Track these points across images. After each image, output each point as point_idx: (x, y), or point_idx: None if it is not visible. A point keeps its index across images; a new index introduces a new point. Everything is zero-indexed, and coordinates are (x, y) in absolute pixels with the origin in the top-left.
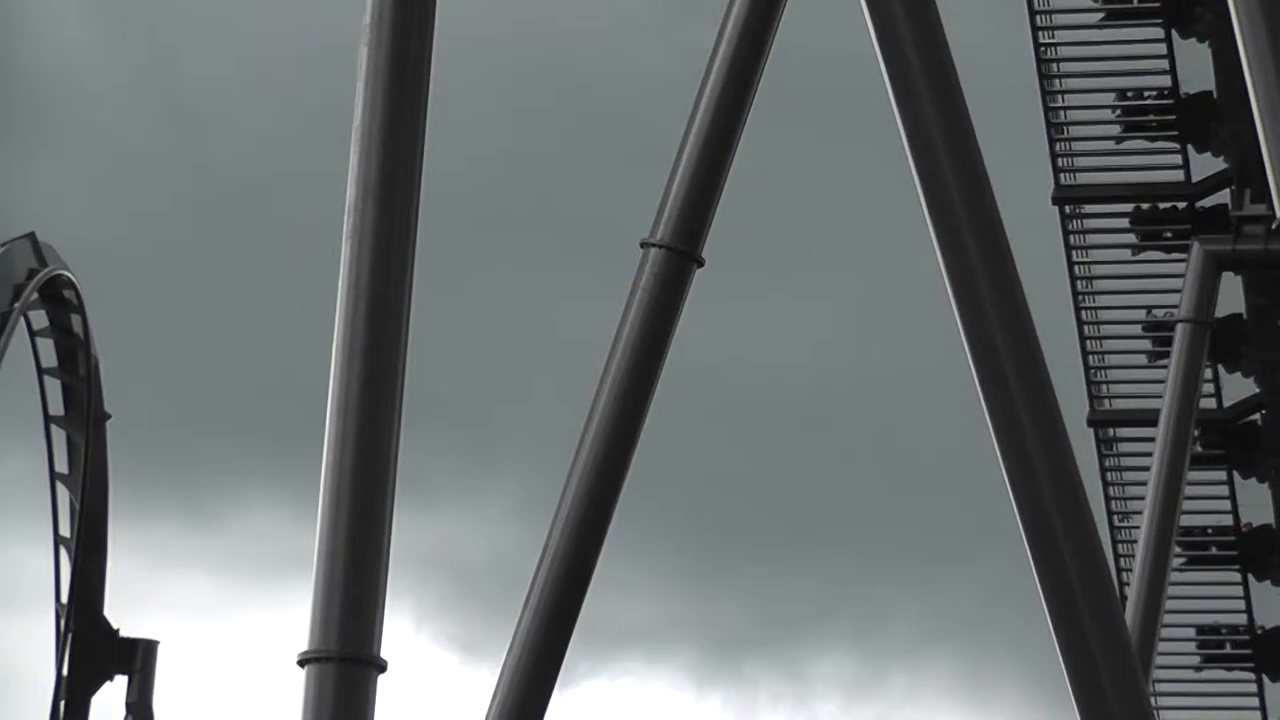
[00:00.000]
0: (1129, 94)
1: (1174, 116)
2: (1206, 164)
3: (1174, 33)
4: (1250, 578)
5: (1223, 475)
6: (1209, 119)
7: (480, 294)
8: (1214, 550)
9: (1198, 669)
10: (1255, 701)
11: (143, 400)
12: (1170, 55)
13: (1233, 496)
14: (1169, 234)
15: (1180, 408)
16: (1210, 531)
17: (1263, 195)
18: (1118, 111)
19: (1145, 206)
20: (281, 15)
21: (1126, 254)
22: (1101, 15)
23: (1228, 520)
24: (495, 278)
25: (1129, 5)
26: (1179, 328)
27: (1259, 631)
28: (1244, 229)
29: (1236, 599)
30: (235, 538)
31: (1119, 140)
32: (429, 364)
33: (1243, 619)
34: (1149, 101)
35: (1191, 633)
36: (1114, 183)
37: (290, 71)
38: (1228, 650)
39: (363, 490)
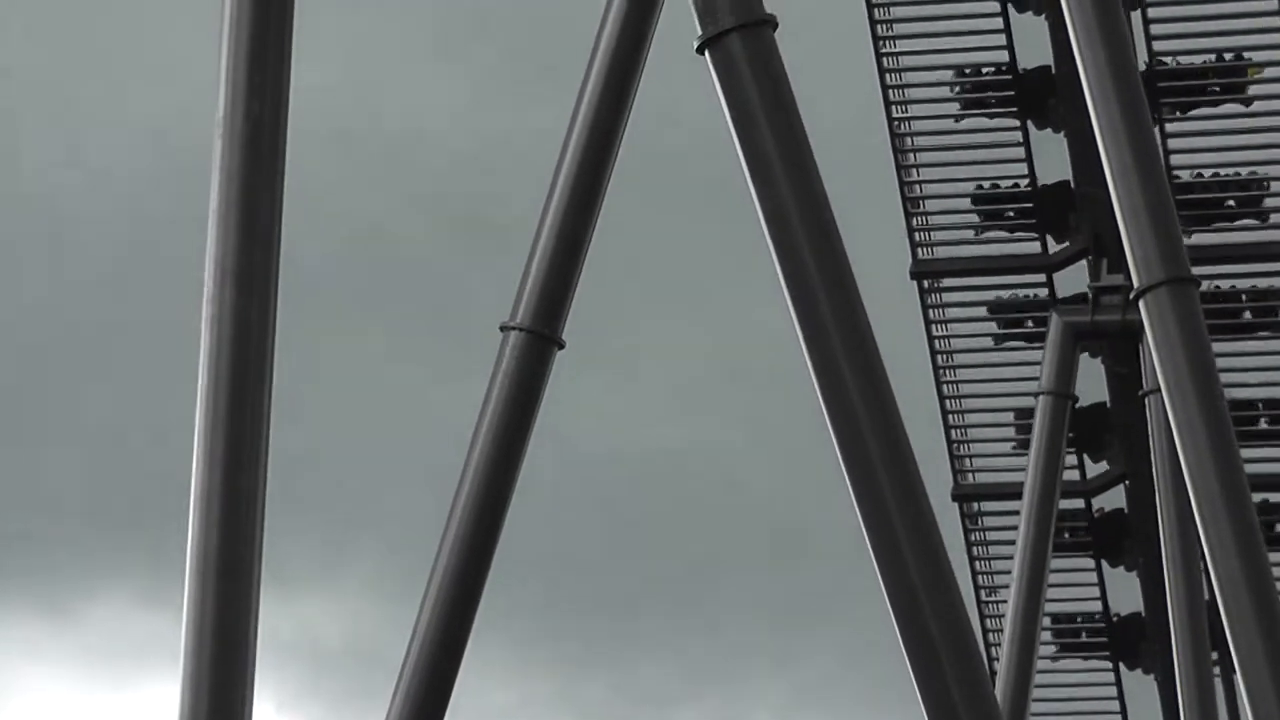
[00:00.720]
0: (985, 185)
1: (1031, 204)
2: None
3: (1030, 124)
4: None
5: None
6: (1065, 200)
7: (338, 378)
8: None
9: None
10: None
11: None
12: (1027, 144)
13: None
14: (1030, 322)
15: (1044, 480)
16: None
17: (1119, 265)
18: (973, 200)
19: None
20: (133, 106)
21: (986, 327)
22: (959, 105)
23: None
24: (353, 361)
25: (986, 96)
26: (1040, 399)
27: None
28: (1101, 300)
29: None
30: (88, 626)
31: (978, 231)
32: (287, 447)
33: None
34: (1005, 190)
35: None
36: (972, 255)
37: (143, 158)
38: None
39: (228, 578)
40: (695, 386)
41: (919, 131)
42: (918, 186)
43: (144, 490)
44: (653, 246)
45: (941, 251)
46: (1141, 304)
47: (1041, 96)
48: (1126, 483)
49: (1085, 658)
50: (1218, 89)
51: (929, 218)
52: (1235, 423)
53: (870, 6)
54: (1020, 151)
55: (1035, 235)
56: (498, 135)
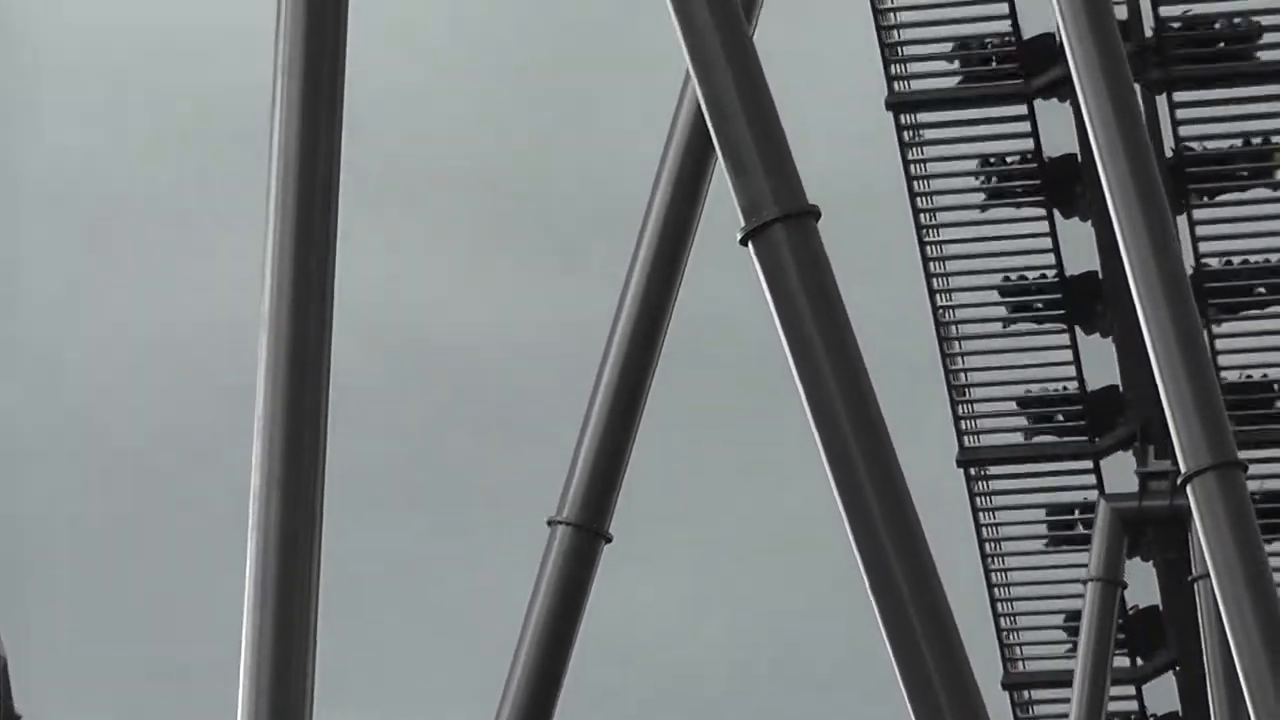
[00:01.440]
0: (1032, 390)
1: (1080, 407)
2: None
3: (1078, 332)
4: None
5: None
6: (1114, 406)
7: (384, 578)
8: None
9: None
10: None
11: (45, 694)
12: (1075, 350)
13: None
14: (1077, 509)
15: (1094, 667)
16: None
17: (1165, 451)
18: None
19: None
20: (178, 291)
21: (1034, 514)
22: (1005, 316)
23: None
24: (399, 560)
25: (1030, 297)
26: (1089, 586)
27: None
28: (1149, 485)
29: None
30: None
31: (1028, 436)
32: (335, 648)
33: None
34: (1054, 394)
35: None
36: (1018, 443)
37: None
38: None
39: None
40: (745, 579)
41: (964, 320)
42: (964, 375)
43: (205, 690)
44: (700, 436)
45: (987, 439)
46: (1189, 489)
47: (1090, 302)
48: (1176, 669)
49: None
50: (1245, 174)
51: (975, 405)
52: None
53: (913, 201)
54: (1068, 354)
55: (1085, 436)
56: (541, 330)
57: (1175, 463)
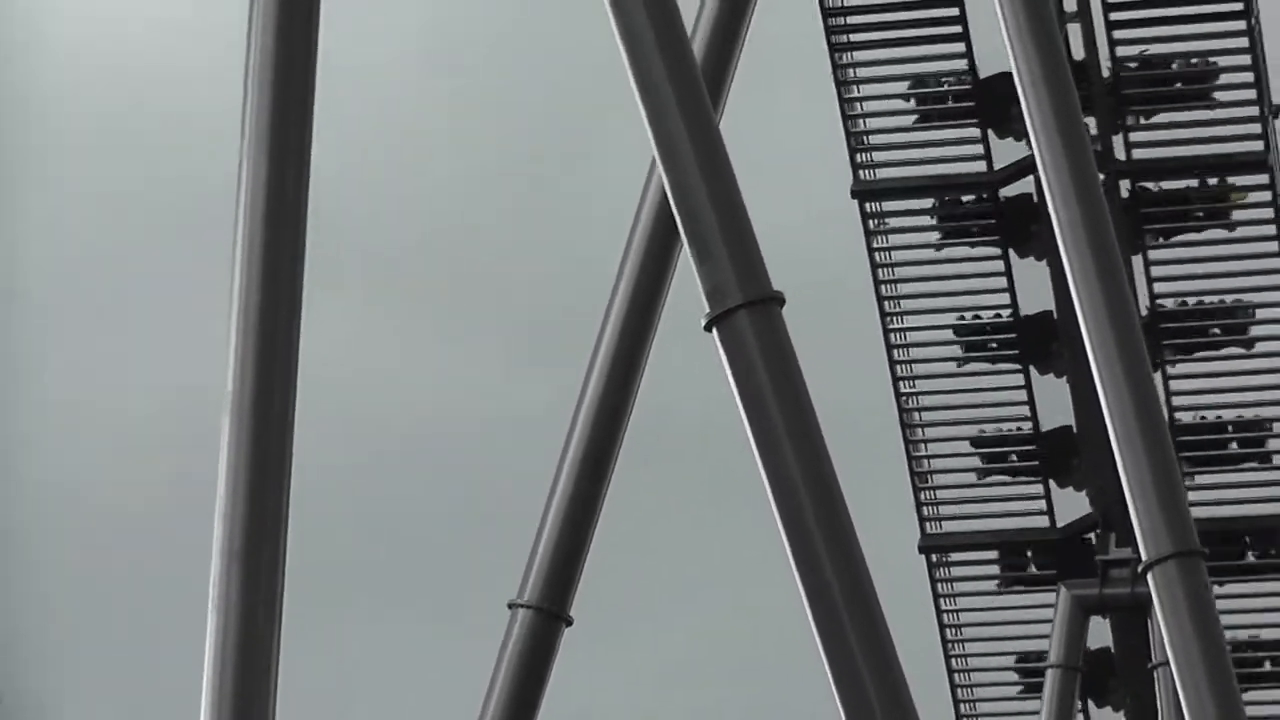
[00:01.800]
0: (985, 431)
1: (1037, 462)
2: (1071, 506)
3: (1032, 370)
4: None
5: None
6: (1071, 458)
7: (342, 660)
8: None
9: None
10: None
11: None
12: (1030, 396)
13: None
14: (1036, 575)
15: None
16: None
17: (1127, 539)
18: (981, 459)
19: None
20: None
21: (994, 600)
22: (961, 362)
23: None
24: (359, 641)
25: (989, 346)
26: (1049, 673)
27: None
28: (1110, 573)
29: None
30: None
31: (981, 477)
32: None
33: None
34: (1012, 447)
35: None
36: (980, 529)
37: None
38: None
39: None
40: (707, 663)
41: (927, 407)
42: (927, 461)
43: None
44: (664, 521)
45: (949, 525)
46: (1150, 577)
47: (1046, 342)
48: None
49: None
50: (1201, 214)
51: (936, 492)
52: (1237, 664)
53: (878, 289)
54: (1023, 394)
55: (1039, 477)
56: (504, 413)
57: (1136, 550)
